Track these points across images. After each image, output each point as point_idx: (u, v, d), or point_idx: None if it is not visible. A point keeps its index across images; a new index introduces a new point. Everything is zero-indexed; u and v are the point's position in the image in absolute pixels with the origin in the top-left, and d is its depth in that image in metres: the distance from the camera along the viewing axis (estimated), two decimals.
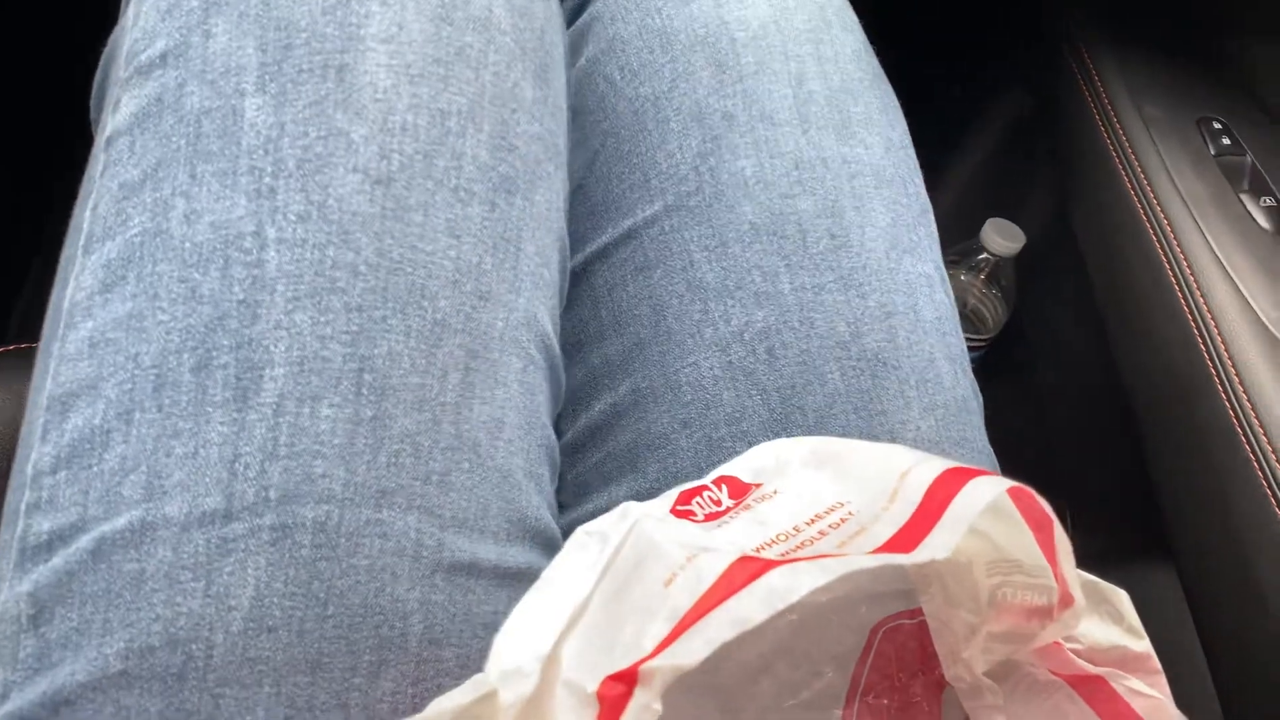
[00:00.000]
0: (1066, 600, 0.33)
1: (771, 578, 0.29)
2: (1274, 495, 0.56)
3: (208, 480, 0.32)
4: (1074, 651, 0.35)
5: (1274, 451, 0.57)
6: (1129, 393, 0.72)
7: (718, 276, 0.43)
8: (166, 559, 0.31)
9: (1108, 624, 0.36)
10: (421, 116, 0.37)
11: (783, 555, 0.31)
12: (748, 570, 0.30)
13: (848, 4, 0.51)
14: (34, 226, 0.87)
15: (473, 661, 0.34)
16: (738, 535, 0.33)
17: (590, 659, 0.29)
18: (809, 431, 0.41)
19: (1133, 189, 0.71)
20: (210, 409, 0.33)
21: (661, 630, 0.29)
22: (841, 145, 0.45)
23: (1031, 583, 0.33)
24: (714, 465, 0.38)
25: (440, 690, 0.29)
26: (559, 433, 0.45)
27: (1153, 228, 0.68)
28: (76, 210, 0.38)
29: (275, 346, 0.34)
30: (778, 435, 0.41)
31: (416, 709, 0.31)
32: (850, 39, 0.49)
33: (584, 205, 0.48)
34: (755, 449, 0.38)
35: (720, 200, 0.44)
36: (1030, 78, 0.93)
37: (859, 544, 0.32)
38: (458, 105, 0.38)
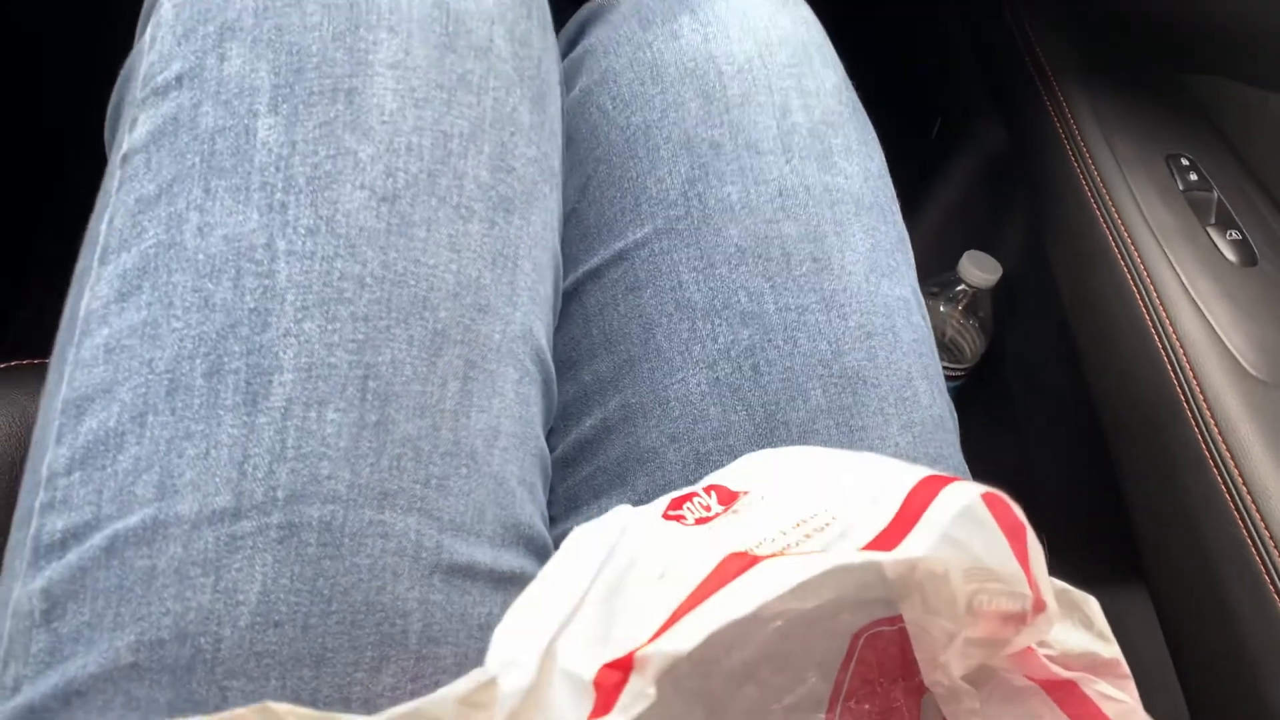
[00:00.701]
0: (1039, 606, 0.34)
1: (760, 570, 0.30)
2: (1242, 520, 0.57)
3: (218, 480, 0.33)
4: (1047, 657, 0.36)
5: (1242, 478, 0.58)
6: (1101, 419, 0.73)
7: (705, 297, 0.45)
8: (177, 555, 0.33)
9: (1079, 630, 0.37)
10: (426, 138, 0.39)
11: (770, 555, 0.33)
12: (738, 564, 0.31)
13: (828, 41, 0.53)
14: (29, 245, 0.88)
15: (469, 661, 0.35)
16: (726, 537, 0.34)
17: (587, 650, 0.30)
18: (792, 445, 0.43)
19: (1104, 222, 0.72)
20: (221, 412, 0.34)
21: (656, 621, 0.30)
22: (823, 174, 0.47)
23: (1006, 590, 0.34)
24: (701, 478, 0.39)
25: (438, 687, 0.30)
26: (550, 447, 0.46)
27: (1123, 259, 0.70)
28: (92, 224, 0.39)
29: (284, 353, 0.35)
30: (762, 449, 0.42)
31: None
32: (831, 74, 0.51)
33: (577, 228, 0.49)
34: (743, 459, 0.40)
35: (708, 224, 0.46)
36: (1007, 115, 0.95)
37: (841, 547, 0.33)
38: (460, 128, 0.40)
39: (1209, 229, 0.71)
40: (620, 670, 0.29)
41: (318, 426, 0.34)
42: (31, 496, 0.35)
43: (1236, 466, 0.59)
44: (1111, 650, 0.37)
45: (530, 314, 0.42)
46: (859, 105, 0.52)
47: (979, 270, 0.95)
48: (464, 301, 0.38)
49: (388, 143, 0.38)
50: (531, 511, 0.40)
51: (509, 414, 0.39)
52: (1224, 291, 0.67)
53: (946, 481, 0.34)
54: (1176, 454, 0.63)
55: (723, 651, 0.37)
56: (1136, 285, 0.68)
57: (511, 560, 0.38)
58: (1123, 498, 0.70)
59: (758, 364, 0.43)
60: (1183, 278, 0.67)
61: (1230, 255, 0.69)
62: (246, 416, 0.34)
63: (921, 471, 0.35)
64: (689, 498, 0.37)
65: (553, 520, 0.45)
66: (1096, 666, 0.37)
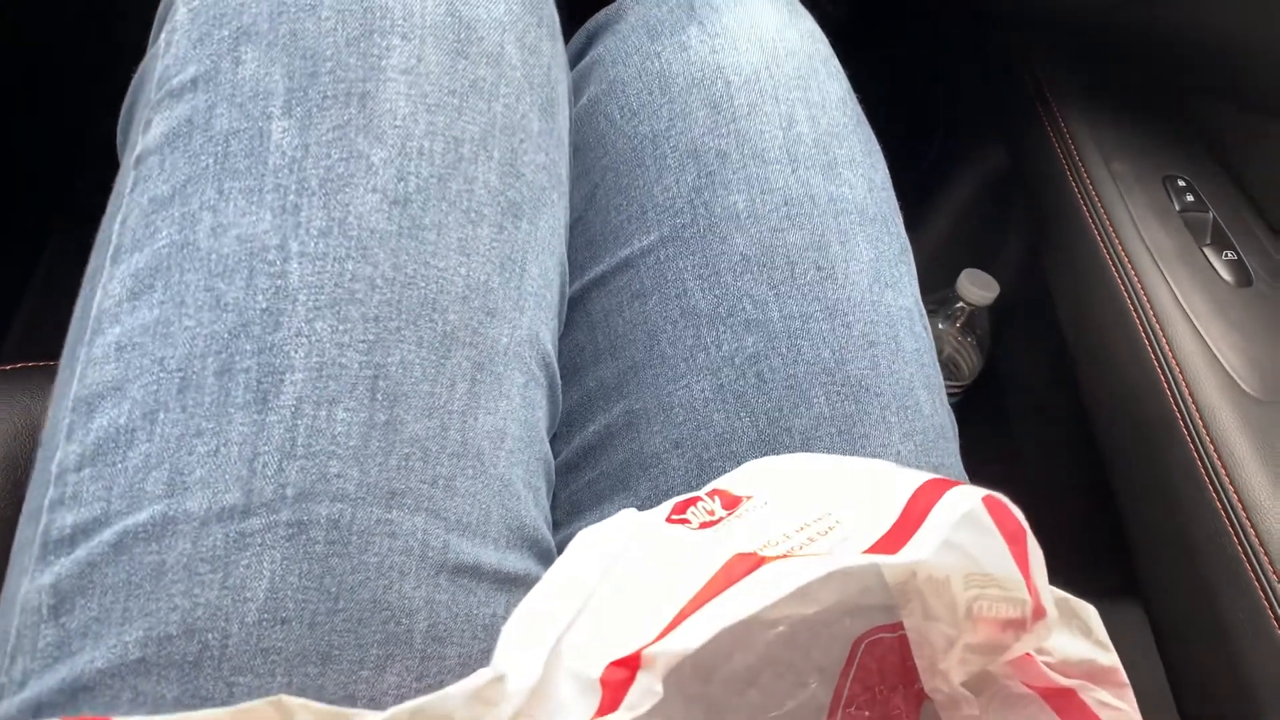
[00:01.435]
0: (1039, 612, 0.35)
1: (767, 571, 0.31)
2: (1238, 536, 0.57)
3: (228, 477, 0.34)
4: (1046, 664, 0.36)
5: (1237, 494, 0.59)
6: (1098, 437, 0.74)
7: (710, 304, 0.45)
8: (186, 551, 0.33)
9: (1078, 638, 0.37)
10: (437, 143, 0.40)
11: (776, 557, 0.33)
12: (744, 565, 0.31)
13: (833, 54, 0.54)
14: (37, 248, 0.88)
15: (474, 661, 0.36)
16: (730, 540, 0.35)
17: (593, 649, 0.30)
18: (795, 452, 0.43)
19: (1101, 242, 0.73)
20: (232, 410, 0.34)
21: (663, 620, 0.30)
22: (828, 184, 0.48)
23: (1006, 596, 0.35)
24: (704, 484, 0.40)
25: (442, 686, 0.30)
26: (554, 452, 0.47)
27: (1120, 279, 0.71)
28: (104, 224, 0.39)
29: (295, 353, 0.35)
30: (765, 456, 0.43)
31: None
32: (836, 86, 0.51)
33: (583, 235, 0.50)
34: (746, 465, 0.40)
35: (713, 232, 0.46)
36: (1006, 134, 0.96)
37: (845, 550, 0.34)
38: (470, 133, 0.40)
39: (1205, 249, 0.72)
40: (627, 668, 0.29)
41: (327, 425, 0.35)
42: (41, 493, 0.35)
43: (1232, 483, 0.59)
44: (1110, 658, 0.37)
45: (537, 319, 0.42)
46: (863, 117, 0.52)
47: (977, 288, 0.95)
48: (472, 305, 0.39)
49: (400, 147, 0.39)
50: (536, 515, 0.41)
51: (515, 417, 0.40)
52: (1220, 311, 0.68)
53: (949, 485, 0.34)
54: (1173, 471, 0.63)
55: (724, 656, 0.38)
56: (1133, 304, 0.69)
57: (516, 562, 0.38)
58: (1119, 515, 0.70)
59: (761, 371, 0.44)
60: (1179, 297, 0.68)
61: (1226, 275, 0.70)
62: (257, 415, 0.34)
63: (924, 476, 0.35)
64: (693, 502, 0.38)
65: (555, 525, 0.45)
66: (1095, 674, 0.37)
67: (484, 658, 0.35)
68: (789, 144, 0.48)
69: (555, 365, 0.44)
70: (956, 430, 0.48)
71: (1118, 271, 0.71)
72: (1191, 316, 0.67)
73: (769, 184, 0.47)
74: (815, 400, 0.43)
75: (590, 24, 0.56)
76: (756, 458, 0.42)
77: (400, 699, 0.34)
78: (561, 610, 0.32)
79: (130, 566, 0.33)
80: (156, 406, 0.35)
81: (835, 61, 0.53)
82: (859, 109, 0.53)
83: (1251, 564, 0.56)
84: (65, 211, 0.93)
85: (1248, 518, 0.58)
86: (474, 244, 0.39)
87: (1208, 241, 0.72)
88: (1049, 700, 0.37)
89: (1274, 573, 0.55)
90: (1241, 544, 0.57)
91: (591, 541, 0.35)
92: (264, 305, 0.36)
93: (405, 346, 0.37)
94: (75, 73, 0.88)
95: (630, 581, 0.33)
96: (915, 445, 0.44)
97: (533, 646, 0.31)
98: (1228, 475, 0.59)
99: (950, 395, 1.00)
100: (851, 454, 0.43)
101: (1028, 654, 0.36)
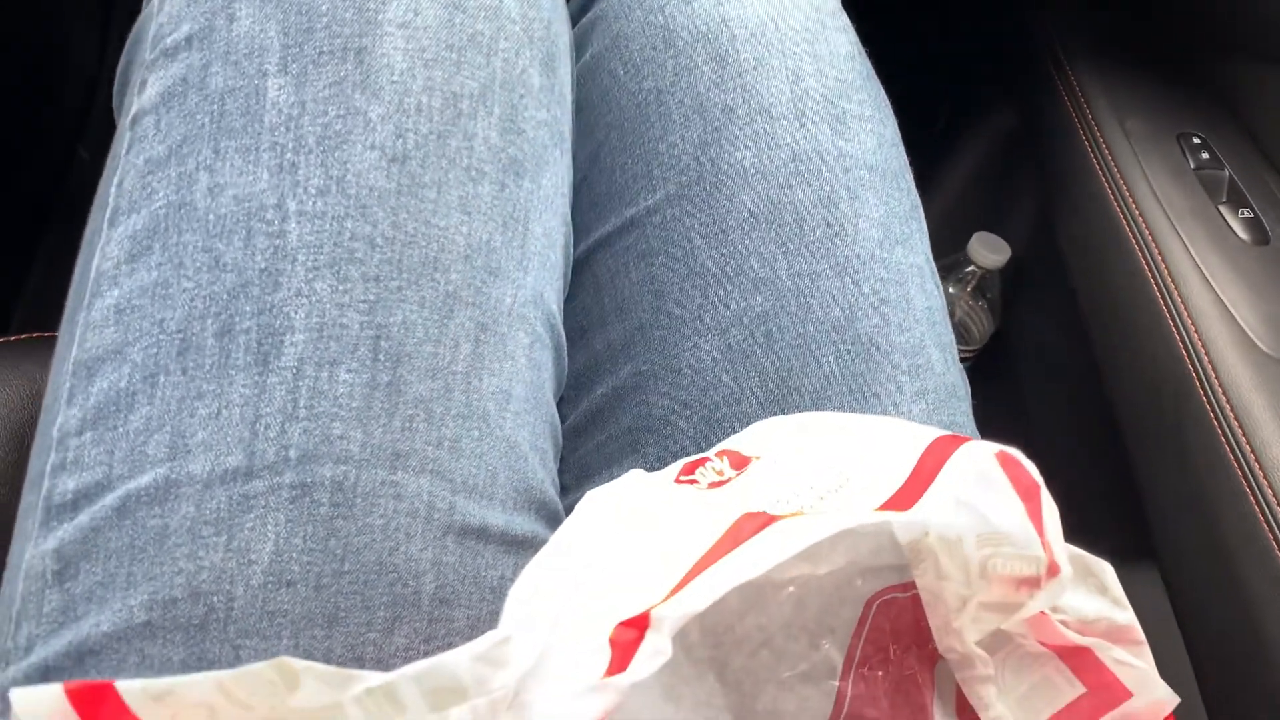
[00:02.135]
0: (1053, 570, 0.34)
1: (775, 530, 0.30)
2: (1254, 494, 0.57)
3: (230, 439, 0.33)
4: (1062, 623, 0.36)
5: (1253, 453, 0.58)
6: (1112, 398, 0.73)
7: (717, 263, 0.45)
8: (190, 515, 0.32)
9: (1093, 596, 0.37)
10: (435, 99, 0.39)
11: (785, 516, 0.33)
12: (753, 524, 0.31)
13: (840, 8, 0.53)
14: (41, 221, 0.88)
15: (482, 624, 0.35)
16: (739, 500, 0.34)
17: (602, 610, 0.30)
18: (805, 411, 0.42)
19: (1115, 201, 0.73)
20: (233, 372, 0.34)
21: (671, 580, 0.30)
22: (836, 139, 0.47)
23: (1020, 553, 0.34)
24: (713, 445, 0.39)
25: (450, 648, 0.30)
26: (562, 416, 0.46)
27: (1135, 238, 0.70)
28: (101, 187, 0.39)
29: (296, 313, 0.35)
30: (774, 415, 0.42)
31: None
32: (844, 39, 0.51)
33: (588, 195, 0.49)
34: (755, 425, 0.40)
35: (720, 190, 0.45)
36: (1017, 95, 0.95)
37: (855, 508, 0.33)
38: (469, 89, 0.40)
39: (1220, 207, 0.71)
40: (636, 628, 0.29)
41: (329, 387, 0.34)
42: (43, 458, 0.35)
43: (1248, 442, 0.59)
44: (1126, 616, 0.37)
45: (541, 279, 0.42)
46: (872, 72, 0.52)
47: (988, 251, 0.95)
48: (475, 264, 0.38)
49: (397, 103, 0.38)
50: (543, 477, 0.40)
51: (521, 378, 0.39)
52: (1236, 269, 0.67)
53: (960, 441, 0.34)
54: (1188, 430, 0.63)
55: (736, 618, 0.37)
56: (1148, 263, 0.68)
57: (524, 524, 0.38)
58: (1133, 476, 0.70)
59: (770, 330, 0.43)
60: (1194, 256, 0.68)
61: (1242, 233, 0.70)
62: (258, 376, 0.34)
63: (935, 432, 0.35)
64: (701, 463, 0.37)
65: (564, 489, 0.45)
66: (1111, 632, 0.37)
67: (492, 620, 0.35)
68: (796, 99, 0.47)
69: (560, 327, 0.44)
70: (969, 390, 0.48)
71: (1132, 231, 0.71)
72: (1207, 275, 0.66)
73: (776, 140, 0.46)
74: (825, 359, 0.43)
75: None
76: (765, 418, 0.41)
77: (408, 661, 0.33)
78: (569, 571, 0.32)
79: (133, 530, 0.32)
80: (157, 369, 0.34)
81: (843, 15, 0.52)
82: (868, 63, 0.52)
83: (1268, 522, 0.56)
84: (70, 182, 0.93)
85: (1264, 475, 0.57)
86: (475, 202, 0.39)
87: (1223, 199, 0.72)
88: (1065, 659, 0.37)
89: None
90: (1258, 502, 0.57)
91: (599, 502, 0.34)
92: (263, 265, 0.35)
93: (407, 307, 0.36)
94: (83, 42, 0.87)
95: (638, 542, 0.32)
96: (927, 403, 0.44)
97: (541, 608, 0.30)
98: (1244, 433, 0.59)
99: (962, 359, 0.99)
100: (862, 413, 0.43)
101: (1043, 612, 0.36)
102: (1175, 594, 0.65)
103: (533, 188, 0.42)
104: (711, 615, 0.37)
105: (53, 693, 0.24)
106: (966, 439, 0.34)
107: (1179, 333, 0.65)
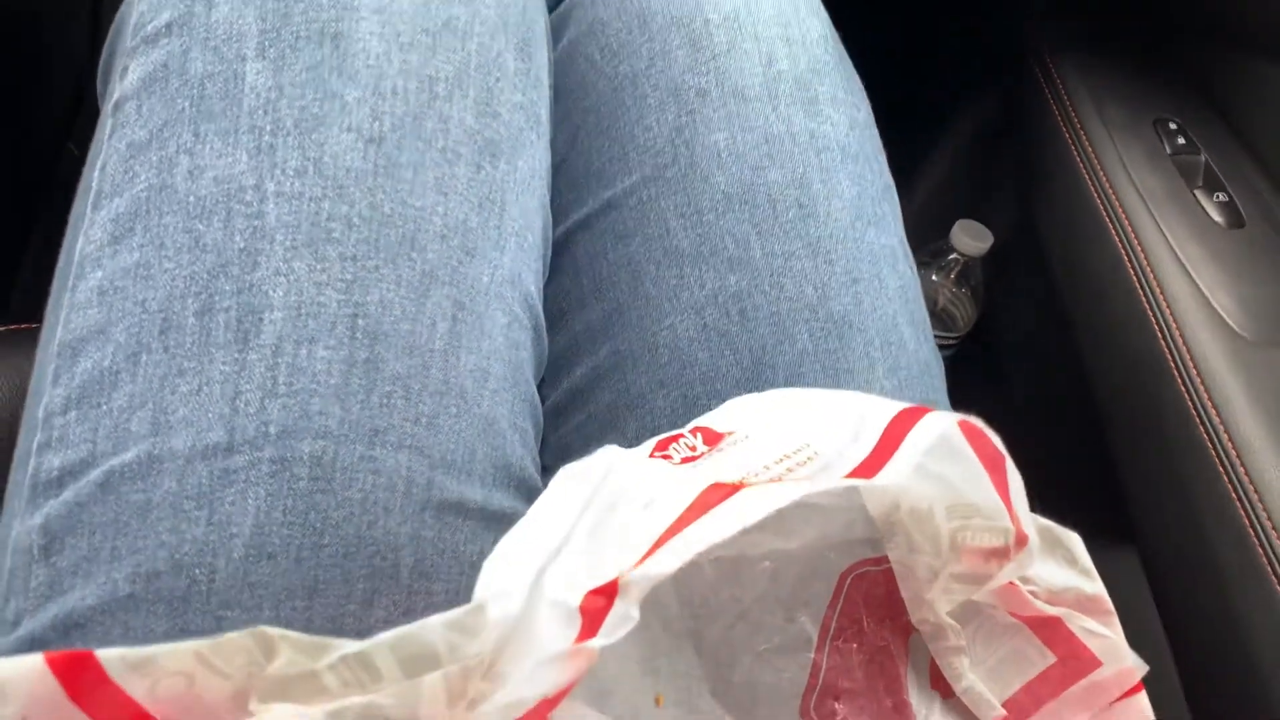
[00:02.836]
0: (1021, 540, 0.35)
1: (741, 497, 0.31)
2: (1228, 476, 0.58)
3: (211, 415, 0.34)
4: (1031, 593, 0.37)
5: (1228, 435, 0.59)
6: (1091, 381, 0.74)
7: (693, 243, 0.45)
8: (172, 489, 0.33)
9: (1062, 567, 0.37)
10: (411, 82, 0.39)
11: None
12: (720, 493, 0.31)
13: None
14: (29, 214, 0.88)
15: (461, 598, 0.36)
16: (710, 472, 0.35)
17: (573, 579, 0.30)
18: (779, 389, 0.43)
19: (1093, 187, 0.73)
20: (213, 350, 0.35)
21: (640, 548, 0.30)
22: (809, 121, 0.47)
23: (989, 525, 0.35)
24: (690, 422, 0.40)
25: None
26: (543, 397, 0.47)
27: (1112, 223, 0.70)
28: (85, 172, 0.40)
29: (274, 292, 0.35)
30: (750, 393, 0.43)
31: None
32: (817, 23, 0.51)
33: (566, 179, 0.50)
34: (729, 403, 0.40)
35: (695, 171, 0.46)
36: (997, 83, 0.95)
37: (823, 479, 0.34)
38: (445, 72, 0.40)
39: (1196, 192, 0.72)
40: (605, 596, 0.29)
41: (308, 364, 0.35)
42: (30, 438, 0.36)
43: (1223, 424, 0.59)
44: (1095, 586, 0.37)
45: (518, 260, 0.42)
46: (845, 56, 0.52)
47: (970, 239, 0.95)
48: (451, 244, 0.39)
49: (373, 86, 0.39)
50: (523, 454, 0.41)
51: (499, 356, 0.40)
52: (1211, 253, 0.67)
53: (924, 412, 0.34)
54: (1165, 412, 0.63)
55: (712, 591, 0.38)
56: (1125, 248, 0.69)
57: (502, 500, 0.39)
58: (1112, 459, 0.71)
59: (745, 309, 0.44)
60: (1170, 240, 0.68)
61: (1217, 217, 0.70)
62: (238, 354, 0.35)
63: (900, 405, 0.36)
64: (675, 439, 0.38)
65: (545, 469, 0.46)
66: (1080, 603, 0.37)
67: (470, 594, 0.36)
68: (769, 81, 0.48)
69: (539, 309, 0.44)
70: (942, 368, 0.48)
71: (1108, 215, 0.71)
72: (1183, 259, 0.67)
73: (749, 122, 0.47)
74: (799, 337, 0.44)
75: None
76: (740, 395, 0.42)
77: None
78: (543, 542, 0.32)
79: (118, 505, 0.33)
80: (139, 348, 0.35)
81: None
82: (840, 46, 0.52)
83: (1242, 503, 0.56)
84: (59, 178, 0.93)
85: (1238, 457, 0.58)
86: (451, 183, 0.39)
87: (1199, 184, 0.72)
88: (1035, 629, 0.37)
89: (1264, 510, 0.55)
90: (1232, 483, 0.57)
91: (572, 476, 0.35)
92: (242, 245, 0.36)
93: (384, 285, 0.37)
94: (67, 31, 0.87)
95: (610, 514, 0.33)
96: (899, 380, 0.44)
97: (515, 578, 0.31)
98: (1219, 415, 0.59)
99: (945, 347, 1.00)
100: (835, 389, 0.43)
101: (1013, 583, 0.36)
102: (1152, 573, 0.66)
103: (509, 170, 0.42)
104: (689, 587, 0.38)
105: (34, 662, 0.24)
106: (929, 410, 0.35)
107: (1155, 316, 0.65)
